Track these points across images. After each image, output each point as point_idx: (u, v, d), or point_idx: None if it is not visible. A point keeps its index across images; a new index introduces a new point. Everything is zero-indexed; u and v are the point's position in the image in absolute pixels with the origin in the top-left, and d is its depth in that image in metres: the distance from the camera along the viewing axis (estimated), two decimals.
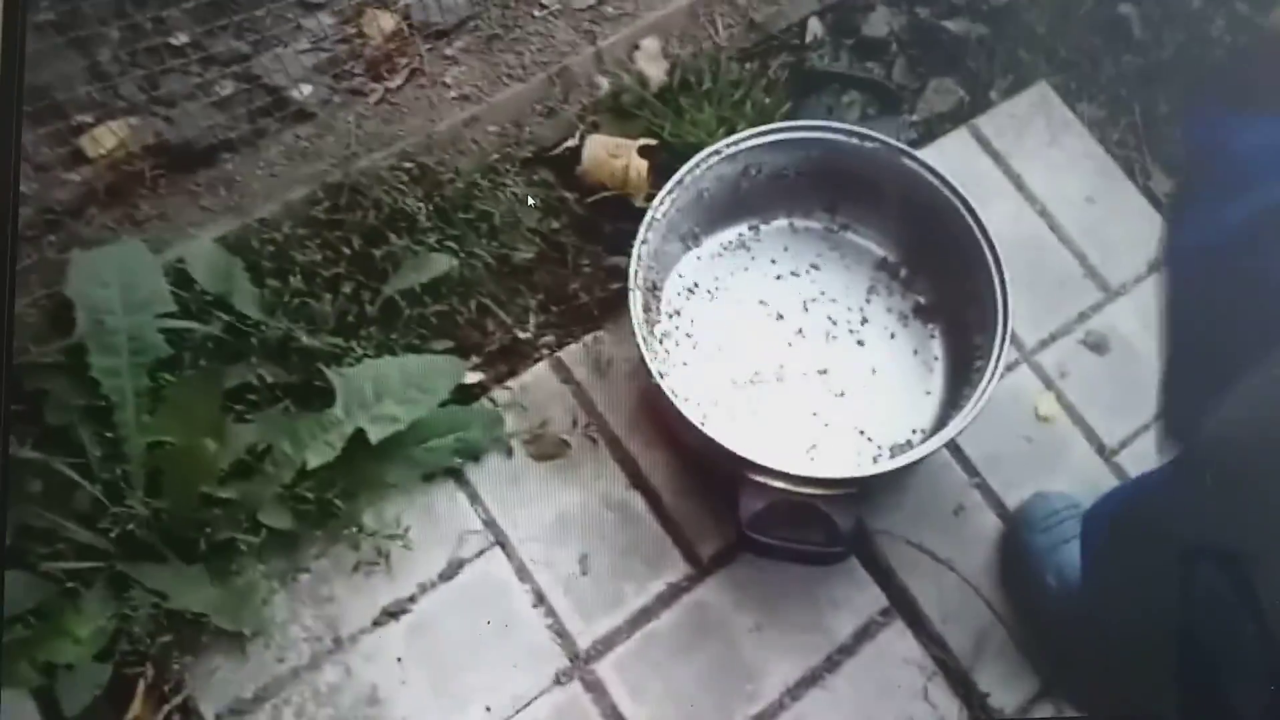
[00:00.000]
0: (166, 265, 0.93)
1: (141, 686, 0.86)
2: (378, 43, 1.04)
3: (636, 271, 0.88)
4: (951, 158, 1.05)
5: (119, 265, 0.91)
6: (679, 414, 0.84)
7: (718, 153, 0.92)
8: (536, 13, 1.05)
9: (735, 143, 0.93)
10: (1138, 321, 1.04)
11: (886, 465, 0.88)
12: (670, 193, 0.91)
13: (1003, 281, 0.88)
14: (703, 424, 0.84)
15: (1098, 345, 1.02)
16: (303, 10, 1.06)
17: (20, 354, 0.88)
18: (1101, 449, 0.99)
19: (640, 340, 0.86)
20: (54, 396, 0.88)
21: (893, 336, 0.98)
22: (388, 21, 1.05)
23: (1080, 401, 1.00)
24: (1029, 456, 0.97)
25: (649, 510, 0.93)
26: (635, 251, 0.88)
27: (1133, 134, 1.10)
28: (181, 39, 1.04)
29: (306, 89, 1.03)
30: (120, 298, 0.90)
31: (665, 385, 0.85)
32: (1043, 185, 1.07)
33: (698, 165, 0.92)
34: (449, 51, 1.04)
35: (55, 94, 0.99)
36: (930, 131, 1.08)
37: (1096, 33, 1.14)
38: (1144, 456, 0.98)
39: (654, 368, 0.85)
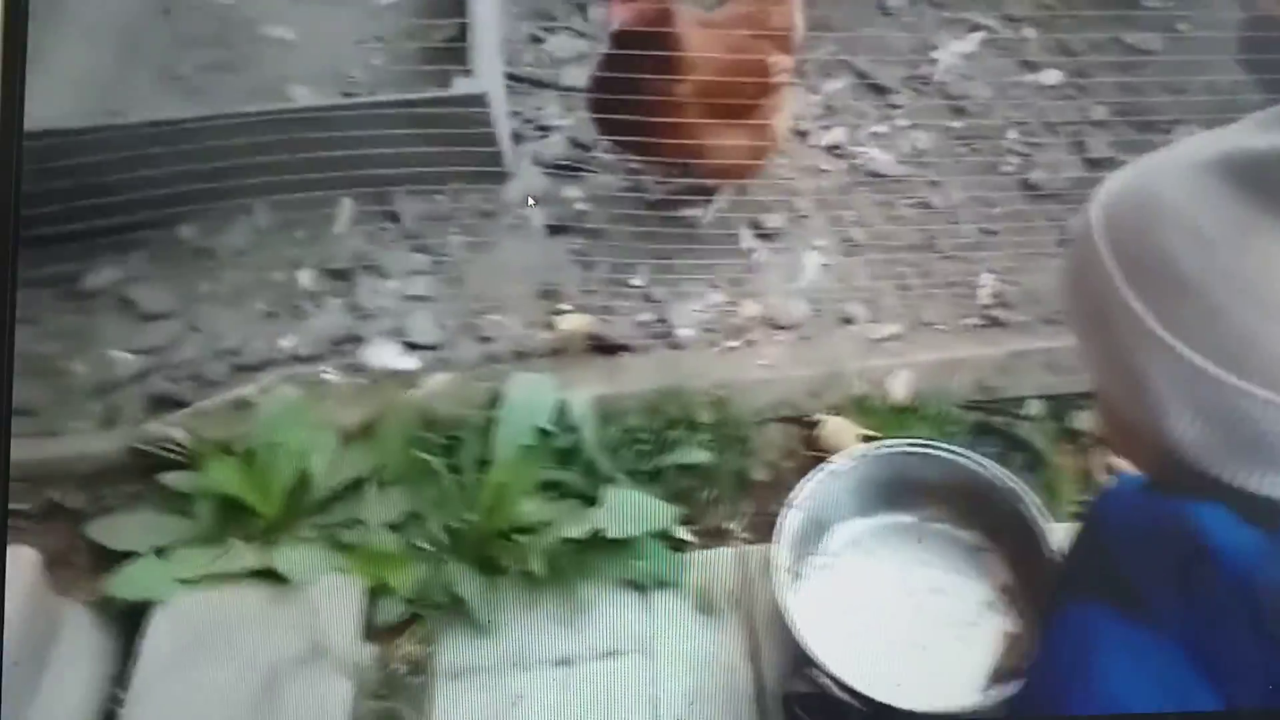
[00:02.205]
0: (561, 399, 1.49)
1: (414, 629, 1.36)
2: (740, 321, 1.58)
3: (798, 500, 1.25)
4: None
5: (535, 387, 1.51)
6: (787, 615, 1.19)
7: (907, 450, 1.28)
8: (842, 330, 1.52)
9: (925, 444, 1.28)
10: None
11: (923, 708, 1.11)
12: (857, 458, 1.28)
13: None
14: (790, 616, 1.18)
15: None
16: (711, 288, 1.63)
17: (464, 412, 1.50)
18: None
19: (781, 557, 1.22)
20: (465, 444, 1.49)
21: (990, 654, 1.22)
22: (754, 310, 1.58)
23: None
24: None
25: (752, 689, 1.27)
26: (800, 488, 1.25)
27: None
28: (637, 282, 1.66)
29: (688, 331, 1.59)
30: (527, 403, 1.49)
31: (777, 583, 1.21)
32: None
33: (889, 449, 1.28)
34: (779, 338, 1.54)
35: (559, 289, 1.66)
36: None
37: None
38: None
39: (778, 581, 1.20)
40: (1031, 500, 1.22)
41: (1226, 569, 0.71)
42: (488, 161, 1.82)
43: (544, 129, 1.88)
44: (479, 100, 1.79)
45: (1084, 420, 1.38)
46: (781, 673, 1.26)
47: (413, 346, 1.68)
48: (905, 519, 1.34)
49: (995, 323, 1.50)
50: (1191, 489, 0.72)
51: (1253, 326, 0.64)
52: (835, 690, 1.13)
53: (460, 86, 1.80)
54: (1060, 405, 1.39)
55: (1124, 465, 1.07)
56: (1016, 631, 1.24)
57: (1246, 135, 0.68)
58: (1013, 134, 1.68)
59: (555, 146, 1.85)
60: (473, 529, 1.40)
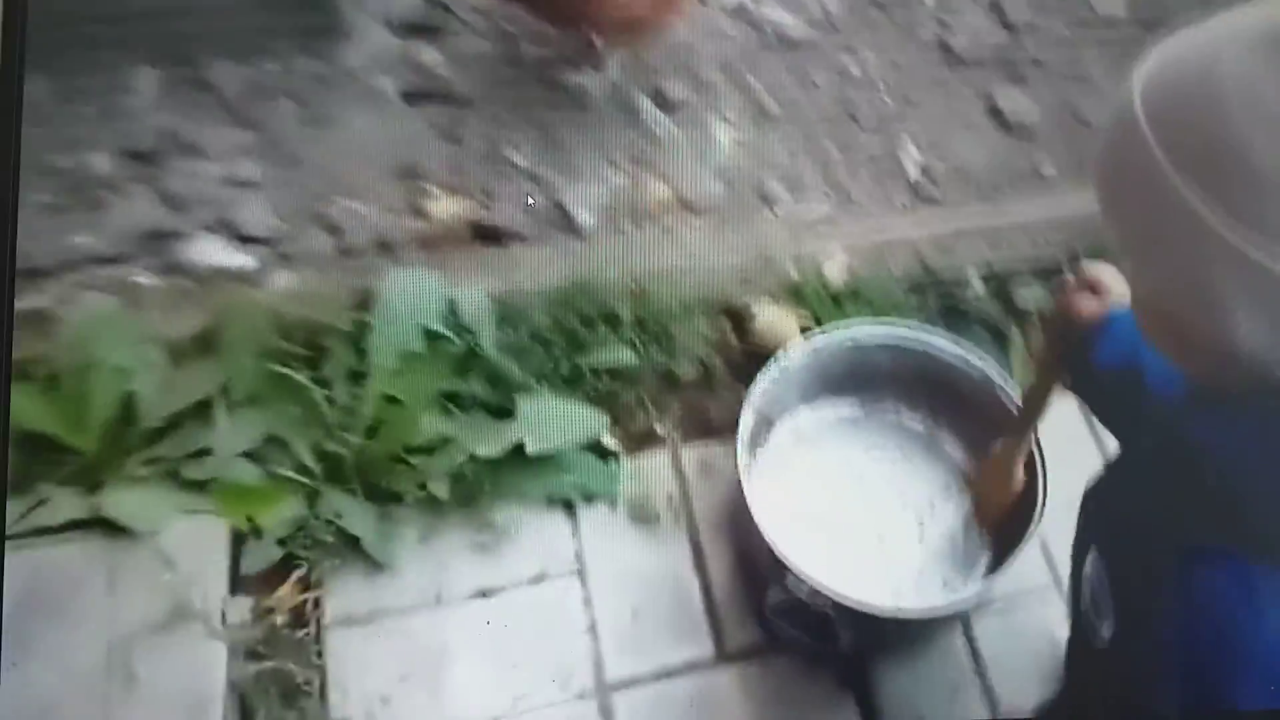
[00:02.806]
0: (449, 297, 1.28)
1: (295, 575, 1.14)
2: (650, 204, 1.39)
3: (753, 397, 1.11)
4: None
5: (416, 284, 1.28)
6: (746, 507, 1.05)
7: (853, 339, 1.16)
8: (769, 213, 1.37)
9: (870, 334, 1.16)
10: None
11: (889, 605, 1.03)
12: (800, 350, 1.15)
13: (1040, 518, 1.05)
14: (762, 527, 1.04)
15: None
16: (610, 167, 1.44)
17: (326, 317, 1.25)
18: None
19: (739, 452, 1.09)
20: (333, 353, 1.24)
21: (951, 538, 1.15)
22: (662, 191, 1.40)
23: None
24: (1035, 677, 1.08)
25: (700, 593, 1.14)
26: (756, 382, 1.12)
27: None
28: (519, 160, 1.44)
29: (588, 217, 1.39)
30: (408, 303, 1.26)
31: (748, 490, 1.07)
32: None
33: (830, 338, 1.16)
34: (696, 223, 1.37)
35: (424, 169, 1.42)
36: None
37: None
38: None
39: (744, 476, 1.08)
40: (997, 375, 1.13)
41: None
42: (321, 18, 1.53)
43: None
44: None
45: (1031, 298, 1.30)
46: (741, 579, 1.13)
47: (245, 240, 1.39)
48: (850, 407, 1.22)
49: (927, 199, 1.39)
50: (1247, 392, 0.66)
51: None
52: (806, 594, 1.01)
53: None
54: (1005, 282, 1.31)
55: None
56: (974, 515, 1.16)
57: None
58: None
59: (404, 1, 1.57)
60: (355, 452, 1.17)
